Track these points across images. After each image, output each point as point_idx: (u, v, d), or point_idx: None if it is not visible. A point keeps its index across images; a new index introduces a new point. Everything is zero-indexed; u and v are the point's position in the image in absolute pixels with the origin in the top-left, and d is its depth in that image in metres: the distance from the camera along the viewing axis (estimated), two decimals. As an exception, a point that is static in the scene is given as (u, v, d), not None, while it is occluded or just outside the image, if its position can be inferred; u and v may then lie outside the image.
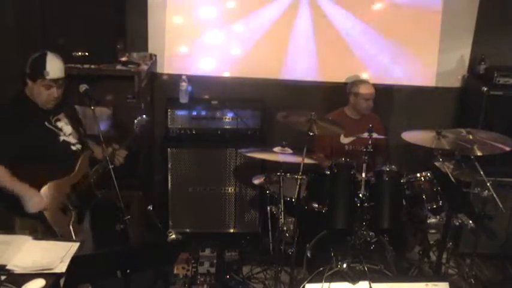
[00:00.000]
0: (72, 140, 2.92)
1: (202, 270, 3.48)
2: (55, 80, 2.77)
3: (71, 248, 2.41)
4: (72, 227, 2.75)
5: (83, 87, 2.82)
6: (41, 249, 2.41)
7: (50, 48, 2.85)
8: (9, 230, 2.76)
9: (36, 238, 2.53)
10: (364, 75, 4.24)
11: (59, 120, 2.90)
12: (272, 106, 4.17)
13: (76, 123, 3.01)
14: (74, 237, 2.71)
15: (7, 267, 2.23)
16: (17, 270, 2.22)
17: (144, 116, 3.20)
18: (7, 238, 2.48)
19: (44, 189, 2.73)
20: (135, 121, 3.17)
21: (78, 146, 2.94)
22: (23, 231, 2.73)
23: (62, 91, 2.85)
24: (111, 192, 2.65)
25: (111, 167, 2.69)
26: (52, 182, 2.76)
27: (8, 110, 2.82)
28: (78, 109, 3.17)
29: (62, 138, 2.88)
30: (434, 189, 3.27)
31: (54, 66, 2.77)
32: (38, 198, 2.70)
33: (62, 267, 2.24)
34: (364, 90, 3.88)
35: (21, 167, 2.74)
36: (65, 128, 2.92)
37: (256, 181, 3.57)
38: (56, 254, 2.34)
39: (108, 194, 2.81)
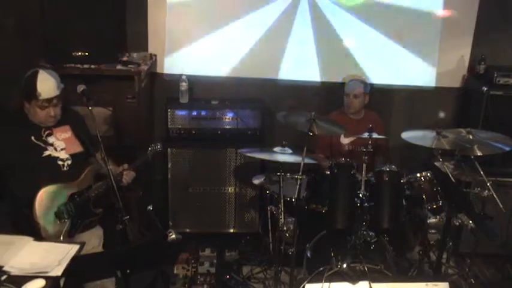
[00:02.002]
0: (62, 155, 2.87)
1: (202, 270, 3.49)
2: (48, 100, 2.74)
3: (70, 250, 2.40)
4: (63, 238, 2.70)
5: (81, 87, 2.78)
6: (40, 251, 2.40)
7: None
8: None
9: (37, 239, 2.52)
10: (364, 75, 4.24)
11: (50, 134, 2.86)
12: (272, 106, 4.17)
13: (82, 135, 2.96)
14: None
15: (4, 269, 2.23)
16: (14, 272, 2.22)
17: (158, 145, 3.25)
18: (8, 239, 2.47)
19: (42, 191, 2.69)
20: (149, 148, 3.21)
21: (68, 162, 2.87)
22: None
23: (59, 108, 2.82)
24: (111, 193, 2.65)
25: (109, 167, 2.68)
26: (49, 186, 2.72)
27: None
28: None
29: (48, 152, 2.83)
30: (434, 189, 3.27)
31: (45, 86, 2.72)
32: None
33: (58, 271, 2.23)
34: (350, 89, 3.89)
35: (7, 183, 2.76)
36: (57, 143, 2.87)
37: (256, 181, 3.57)
38: (54, 257, 2.33)
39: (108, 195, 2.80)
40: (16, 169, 2.76)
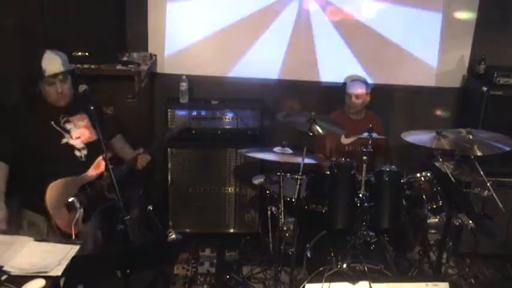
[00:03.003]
0: (77, 144, 2.91)
1: (202, 270, 3.48)
2: (53, 76, 2.79)
3: (70, 250, 2.39)
4: (74, 226, 2.73)
5: (82, 87, 2.80)
6: (40, 251, 2.40)
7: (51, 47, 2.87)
8: (18, 221, 2.85)
9: (37, 240, 2.52)
10: (364, 75, 4.24)
11: (68, 121, 2.91)
12: (272, 106, 4.17)
13: (99, 124, 2.97)
14: (73, 236, 2.70)
15: (4, 269, 2.22)
16: (14, 272, 2.21)
17: (174, 130, 3.32)
18: (9, 239, 2.47)
19: (51, 186, 2.73)
20: (167, 133, 3.27)
21: (84, 152, 2.92)
22: (30, 226, 2.83)
23: (67, 86, 2.86)
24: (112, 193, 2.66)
25: (110, 167, 2.69)
26: (60, 180, 2.77)
27: (18, 108, 2.91)
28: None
29: (65, 140, 2.88)
30: (434, 189, 3.27)
31: (49, 63, 2.79)
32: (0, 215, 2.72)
33: (57, 271, 2.23)
34: (352, 89, 3.89)
35: (27, 165, 2.80)
36: (74, 131, 2.92)
37: (256, 181, 3.57)
38: (54, 257, 2.33)
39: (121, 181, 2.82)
40: (35, 153, 2.80)
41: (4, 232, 2.72)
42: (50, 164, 2.80)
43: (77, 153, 2.91)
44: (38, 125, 2.84)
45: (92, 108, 2.76)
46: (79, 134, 2.93)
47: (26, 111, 2.88)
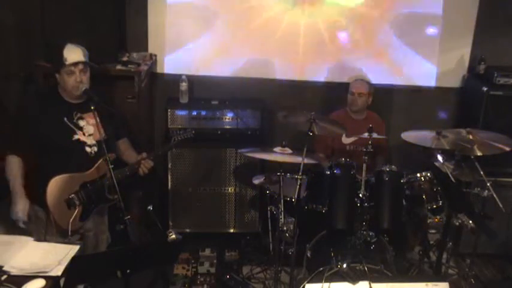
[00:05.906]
0: (89, 141, 2.93)
1: (202, 270, 3.49)
2: (75, 64, 2.83)
3: (70, 251, 2.40)
4: (72, 223, 2.75)
5: (83, 87, 2.84)
6: (40, 251, 2.41)
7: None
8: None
9: (37, 240, 2.53)
10: (365, 75, 4.24)
11: (82, 118, 2.93)
12: (272, 106, 4.17)
13: (107, 124, 3.00)
14: (69, 233, 2.72)
15: (4, 269, 2.23)
16: (14, 272, 2.22)
17: (187, 130, 3.28)
18: (9, 238, 2.48)
19: (52, 181, 2.75)
20: (173, 138, 3.23)
21: (94, 149, 2.94)
22: (36, 219, 2.86)
23: (87, 77, 2.89)
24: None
25: (111, 167, 2.70)
26: (62, 175, 2.78)
27: (32, 102, 2.96)
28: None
29: (77, 136, 2.90)
30: (434, 189, 3.27)
31: (72, 52, 2.84)
32: (21, 207, 2.76)
33: (58, 271, 2.24)
34: (354, 87, 3.90)
35: (36, 158, 2.83)
36: (87, 128, 2.94)
37: (256, 181, 3.57)
38: (54, 257, 2.34)
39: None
40: (46, 148, 2.83)
41: (24, 224, 2.77)
42: (60, 159, 2.83)
43: (88, 149, 2.93)
44: (51, 120, 2.86)
45: (92, 108, 2.78)
46: (92, 131, 2.95)
47: (40, 106, 2.89)
